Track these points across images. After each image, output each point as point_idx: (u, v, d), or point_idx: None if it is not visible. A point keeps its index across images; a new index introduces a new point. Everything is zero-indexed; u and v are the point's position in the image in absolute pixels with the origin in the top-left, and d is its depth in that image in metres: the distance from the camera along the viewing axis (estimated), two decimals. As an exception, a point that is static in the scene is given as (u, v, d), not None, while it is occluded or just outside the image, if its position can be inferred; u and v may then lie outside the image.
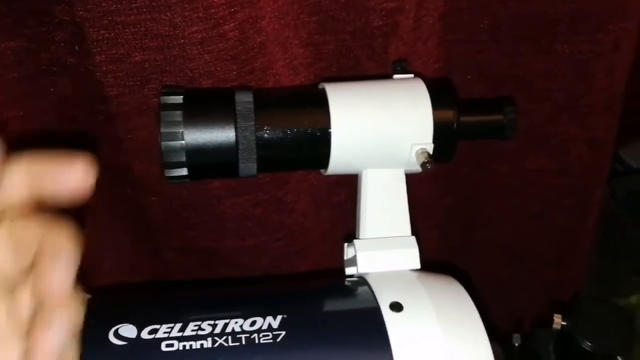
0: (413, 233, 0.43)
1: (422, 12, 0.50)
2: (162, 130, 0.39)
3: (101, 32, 0.41)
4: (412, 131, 0.42)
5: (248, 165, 0.41)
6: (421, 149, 0.42)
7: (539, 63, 0.55)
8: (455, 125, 0.42)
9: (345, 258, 0.45)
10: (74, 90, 0.45)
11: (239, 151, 0.40)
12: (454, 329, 0.36)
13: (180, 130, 0.39)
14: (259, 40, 0.45)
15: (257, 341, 0.34)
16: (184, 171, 0.40)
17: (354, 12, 0.48)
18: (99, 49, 0.42)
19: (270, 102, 0.41)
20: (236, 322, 0.35)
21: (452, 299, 0.38)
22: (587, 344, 0.39)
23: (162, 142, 0.39)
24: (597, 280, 0.68)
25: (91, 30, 0.41)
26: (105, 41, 0.42)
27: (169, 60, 0.43)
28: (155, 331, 0.34)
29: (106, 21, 0.41)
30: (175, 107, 0.39)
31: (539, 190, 0.60)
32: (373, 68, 0.50)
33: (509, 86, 0.55)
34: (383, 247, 0.42)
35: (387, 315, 0.36)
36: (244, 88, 0.41)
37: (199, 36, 0.42)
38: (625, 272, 0.71)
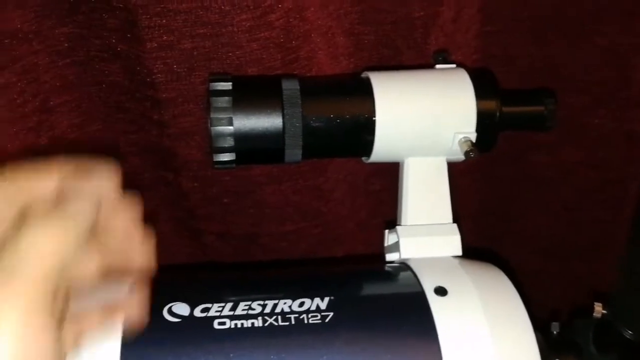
0: (454, 221, 0.43)
1: (462, 3, 0.50)
2: (212, 115, 0.40)
3: (153, 19, 0.42)
4: (455, 120, 0.42)
5: (294, 152, 0.42)
6: (464, 137, 0.42)
7: (578, 55, 0.55)
8: (497, 114, 0.43)
9: (385, 244, 0.45)
10: (123, 76, 0.47)
11: (286, 137, 0.41)
12: (497, 314, 0.37)
13: (229, 116, 0.40)
14: (303, 29, 0.46)
15: (305, 321, 0.35)
16: (231, 156, 0.41)
17: (396, 2, 0.48)
18: (150, 36, 0.43)
19: (316, 89, 0.42)
20: (285, 303, 0.36)
21: (494, 285, 0.39)
22: (628, 332, 0.40)
23: (212, 127, 0.40)
24: (633, 272, 0.67)
25: (143, 17, 0.42)
26: (156, 28, 0.43)
27: (217, 48, 0.44)
28: (207, 310, 0.35)
29: (159, 8, 0.42)
30: (224, 93, 0.40)
31: (575, 183, 0.60)
32: (413, 58, 0.51)
33: (546, 78, 0.56)
34: (425, 233, 0.42)
35: (432, 299, 0.37)
36: (290, 76, 0.42)
37: (247, 24, 0.43)
38: None
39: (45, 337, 0.24)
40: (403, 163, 0.44)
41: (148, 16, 0.42)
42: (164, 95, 0.46)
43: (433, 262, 0.41)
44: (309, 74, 0.48)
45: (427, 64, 0.46)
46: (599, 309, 0.41)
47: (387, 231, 0.45)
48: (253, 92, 0.41)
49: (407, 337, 0.35)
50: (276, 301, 0.36)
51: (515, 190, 0.62)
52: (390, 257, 0.45)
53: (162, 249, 0.40)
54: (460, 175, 0.59)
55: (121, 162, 0.31)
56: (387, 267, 0.41)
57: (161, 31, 0.43)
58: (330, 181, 0.54)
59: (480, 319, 0.36)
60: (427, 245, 0.42)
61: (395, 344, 0.35)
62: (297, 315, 0.35)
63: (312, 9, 0.45)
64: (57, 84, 0.46)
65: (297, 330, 0.35)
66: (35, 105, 0.45)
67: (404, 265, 0.41)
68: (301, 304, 0.36)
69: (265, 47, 0.45)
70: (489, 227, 0.64)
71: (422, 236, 0.42)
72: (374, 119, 0.41)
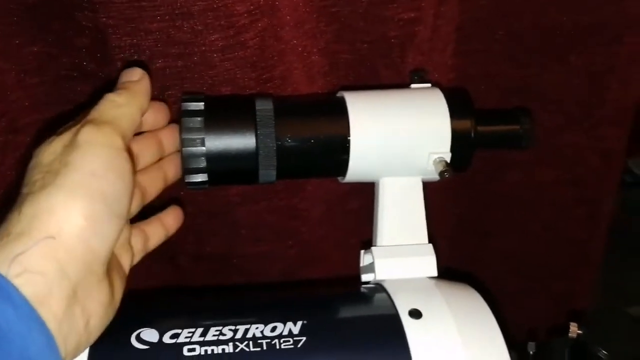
0: (429, 241, 0.43)
1: (438, 22, 0.50)
2: (184, 136, 0.39)
3: (123, 38, 0.42)
4: (430, 140, 0.42)
5: (268, 172, 0.41)
6: (439, 157, 0.42)
7: (553, 74, 0.55)
8: (472, 134, 0.43)
9: (361, 265, 0.45)
10: (93, 97, 0.46)
11: (259, 158, 0.40)
12: (472, 336, 0.36)
13: (202, 137, 0.39)
14: (278, 48, 0.45)
15: (278, 347, 0.34)
16: (204, 177, 0.40)
17: (372, 22, 0.48)
18: (121, 56, 0.42)
19: (290, 109, 0.42)
20: (257, 328, 0.35)
21: (469, 306, 0.38)
22: (603, 353, 0.39)
23: (183, 149, 0.39)
24: (609, 290, 0.68)
25: (113, 36, 0.42)
26: (127, 47, 0.42)
27: (190, 67, 0.44)
28: (177, 335, 0.34)
29: (129, 28, 0.41)
30: (196, 113, 0.40)
31: (551, 202, 0.60)
32: (390, 77, 0.51)
33: (521, 96, 0.56)
34: (400, 254, 0.42)
35: (407, 322, 0.36)
36: (264, 95, 0.42)
37: (220, 44, 0.43)
38: (636, 282, 0.71)
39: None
40: (378, 183, 0.44)
41: (118, 36, 0.41)
42: None
43: (408, 284, 0.40)
44: (284, 93, 0.47)
45: (404, 83, 0.46)
46: (574, 329, 0.40)
47: (362, 252, 0.45)
48: (226, 112, 0.40)
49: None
50: (247, 326, 0.35)
51: (491, 209, 0.62)
52: (365, 277, 0.44)
53: (136, 271, 0.39)
54: (436, 194, 0.58)
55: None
56: (362, 289, 0.41)
57: (132, 51, 0.42)
58: (306, 200, 0.54)
59: (455, 342, 0.36)
60: (402, 266, 0.41)
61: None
62: (269, 340, 0.35)
63: (287, 28, 0.45)
64: (26, 103, 0.45)
65: (268, 356, 0.34)
66: (1, 125, 0.44)
67: (379, 287, 0.40)
68: (273, 329, 0.35)
69: (239, 66, 0.45)
70: (465, 245, 0.64)
71: (397, 257, 0.42)
72: (348, 138, 0.41)
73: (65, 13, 0.42)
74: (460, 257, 0.63)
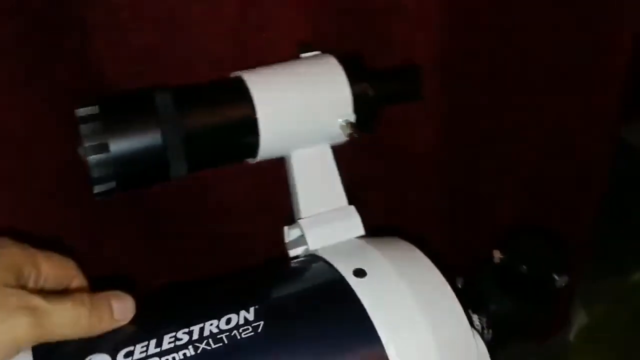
0: (349, 203, 0.44)
1: None
2: (85, 144, 0.36)
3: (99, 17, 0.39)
4: (333, 105, 0.43)
5: (179, 167, 0.39)
6: (345, 120, 0.43)
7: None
8: (371, 93, 0.44)
9: (287, 240, 0.45)
10: (71, 76, 0.42)
11: (168, 153, 0.39)
12: (415, 280, 0.38)
13: (105, 142, 0.37)
14: (259, 20, 0.44)
15: (239, 337, 0.34)
16: (113, 184, 0.38)
17: None
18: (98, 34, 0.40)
19: (192, 99, 0.40)
20: (211, 324, 0.34)
21: (406, 255, 0.40)
22: (523, 269, 0.43)
23: (88, 158, 0.37)
24: (600, 259, 0.73)
25: (89, 14, 0.39)
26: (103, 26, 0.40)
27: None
28: (130, 354, 0.32)
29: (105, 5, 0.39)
30: (93, 118, 0.37)
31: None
32: (376, 48, 0.51)
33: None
34: (327, 221, 0.43)
35: (353, 282, 0.37)
36: (163, 89, 0.40)
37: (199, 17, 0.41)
38: (627, 251, 0.76)
39: None
40: (289, 157, 0.44)
41: (93, 14, 0.39)
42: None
43: (342, 247, 0.41)
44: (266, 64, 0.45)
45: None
46: (497, 255, 0.44)
47: (286, 228, 0.45)
48: (125, 112, 0.38)
49: (342, 324, 0.35)
50: (201, 325, 0.34)
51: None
52: (294, 252, 0.44)
53: (123, 252, 0.36)
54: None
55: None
56: (299, 262, 0.41)
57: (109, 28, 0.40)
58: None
59: (402, 289, 0.37)
60: (332, 232, 0.42)
61: (333, 333, 0.35)
62: (227, 333, 0.34)
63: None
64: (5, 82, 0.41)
65: (233, 348, 0.33)
66: None
67: (315, 257, 0.40)
68: (228, 321, 0.34)
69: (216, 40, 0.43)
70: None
71: (325, 224, 0.42)
72: (256, 117, 0.41)
73: None
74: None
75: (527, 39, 0.58)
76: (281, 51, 0.47)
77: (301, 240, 0.43)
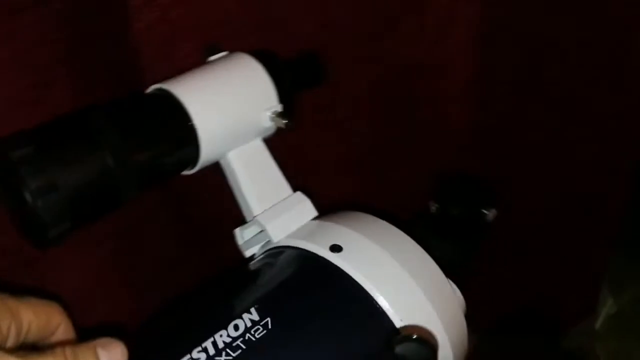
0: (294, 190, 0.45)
1: None
2: (30, 189, 0.33)
3: None
4: (261, 99, 0.43)
5: (128, 189, 0.38)
6: (274, 112, 0.44)
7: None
8: (287, 82, 0.45)
9: (241, 242, 0.45)
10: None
11: (117, 176, 0.36)
12: (385, 240, 0.40)
13: (52, 179, 0.34)
14: None
15: (254, 339, 0.34)
16: (68, 224, 0.35)
17: None
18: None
19: (127, 117, 0.38)
20: (221, 335, 0.34)
21: (364, 222, 0.42)
22: (455, 210, 0.47)
23: (35, 202, 0.33)
24: (630, 247, 0.75)
25: None
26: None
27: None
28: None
29: None
30: (30, 157, 0.34)
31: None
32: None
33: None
34: (282, 211, 0.43)
35: (335, 258, 0.38)
36: (94, 107, 0.37)
37: None
38: None
39: None
40: (227, 159, 0.44)
41: None
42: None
43: (305, 231, 0.42)
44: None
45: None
46: (433, 205, 0.47)
47: (237, 230, 0.45)
48: (63, 143, 0.35)
49: (344, 297, 0.36)
50: (212, 339, 0.33)
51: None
52: (250, 251, 0.44)
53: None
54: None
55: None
56: (271, 256, 0.41)
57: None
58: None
59: (377, 250, 0.39)
60: (290, 220, 0.43)
61: (337, 309, 0.36)
62: (242, 338, 0.33)
63: None
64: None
65: (255, 350, 0.33)
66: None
67: (283, 247, 0.41)
68: (236, 327, 0.34)
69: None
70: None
71: (282, 214, 0.43)
72: (193, 126, 0.40)
73: None
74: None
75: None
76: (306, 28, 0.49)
77: (259, 237, 0.43)
